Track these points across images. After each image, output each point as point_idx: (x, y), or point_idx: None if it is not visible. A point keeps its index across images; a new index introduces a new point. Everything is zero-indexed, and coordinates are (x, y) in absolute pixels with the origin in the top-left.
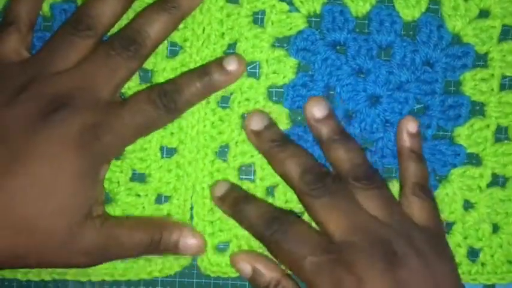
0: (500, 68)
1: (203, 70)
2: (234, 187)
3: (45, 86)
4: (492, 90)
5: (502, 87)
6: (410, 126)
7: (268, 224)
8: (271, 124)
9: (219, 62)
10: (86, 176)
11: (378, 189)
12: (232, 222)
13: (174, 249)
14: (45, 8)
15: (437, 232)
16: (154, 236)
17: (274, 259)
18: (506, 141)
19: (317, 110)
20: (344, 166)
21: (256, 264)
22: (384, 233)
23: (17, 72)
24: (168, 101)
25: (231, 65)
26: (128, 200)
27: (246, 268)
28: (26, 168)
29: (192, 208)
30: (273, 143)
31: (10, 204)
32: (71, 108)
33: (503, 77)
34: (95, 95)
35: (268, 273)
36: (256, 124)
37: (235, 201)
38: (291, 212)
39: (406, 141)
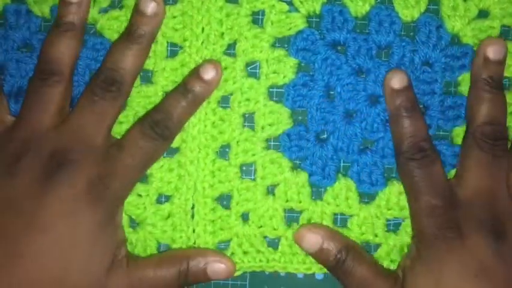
0: None
1: (184, 87)
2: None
3: (40, 148)
4: None
5: None
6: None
7: (415, 150)
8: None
9: (196, 74)
10: (105, 226)
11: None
12: (232, 221)
13: (204, 277)
14: (45, 9)
15: None
16: (181, 267)
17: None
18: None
19: (395, 81)
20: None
21: (325, 234)
22: (503, 208)
23: (7, 141)
24: (161, 129)
25: (209, 74)
26: (129, 200)
27: (316, 239)
28: (43, 232)
29: (193, 207)
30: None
31: (34, 269)
32: (72, 164)
33: None
34: (90, 144)
35: (337, 243)
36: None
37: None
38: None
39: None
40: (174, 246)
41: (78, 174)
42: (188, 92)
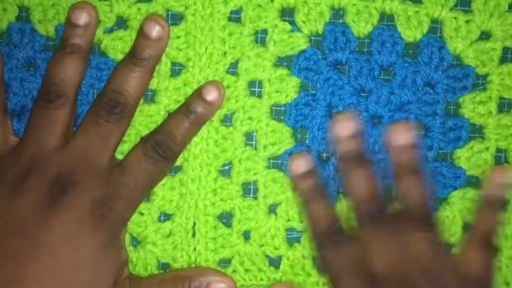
0: (498, 90)
1: (186, 108)
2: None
3: (44, 170)
4: (490, 112)
5: (501, 109)
6: (501, 176)
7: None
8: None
9: (199, 95)
10: (108, 248)
11: (431, 233)
12: (234, 239)
13: None
14: (50, 28)
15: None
16: (184, 287)
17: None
18: (505, 164)
19: (402, 138)
20: (408, 201)
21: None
22: (418, 278)
23: (12, 162)
24: (164, 151)
25: (211, 95)
26: (131, 218)
27: None
28: (47, 255)
29: (194, 225)
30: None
31: None
32: (76, 186)
33: (502, 99)
34: (95, 166)
35: None
36: (344, 130)
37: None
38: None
39: (491, 188)
40: (175, 265)
41: (82, 196)
42: (191, 113)
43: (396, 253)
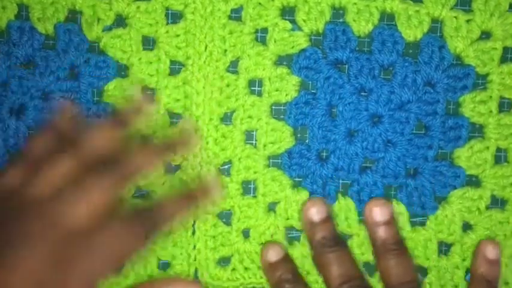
0: (499, 90)
1: (189, 196)
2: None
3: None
4: (491, 112)
5: (501, 108)
6: (490, 252)
7: None
8: (329, 219)
9: (203, 189)
10: None
11: None
12: (233, 237)
13: None
14: (49, 27)
15: None
16: None
17: None
18: (505, 164)
19: (379, 215)
20: (391, 279)
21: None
22: None
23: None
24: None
25: (215, 191)
26: None
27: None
28: None
29: (194, 223)
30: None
31: None
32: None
33: (502, 98)
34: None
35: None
36: (314, 215)
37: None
38: None
39: (483, 267)
40: (174, 262)
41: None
42: (191, 202)
43: None
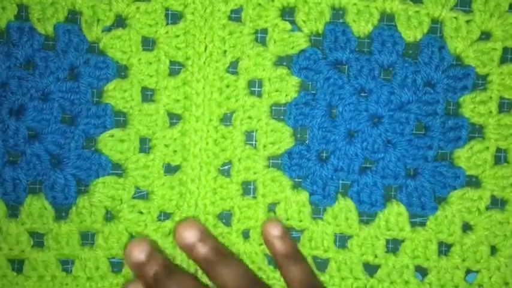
0: (499, 90)
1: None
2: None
3: None
4: (491, 112)
5: (501, 109)
6: (274, 230)
7: None
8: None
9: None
10: None
11: None
12: (233, 238)
13: None
14: (49, 27)
15: None
16: None
17: None
18: (505, 164)
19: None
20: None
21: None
22: None
23: None
24: None
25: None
26: (130, 217)
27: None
28: None
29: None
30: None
31: None
32: None
33: (502, 99)
34: None
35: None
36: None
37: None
38: None
39: (276, 245)
40: (174, 263)
41: None
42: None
43: None
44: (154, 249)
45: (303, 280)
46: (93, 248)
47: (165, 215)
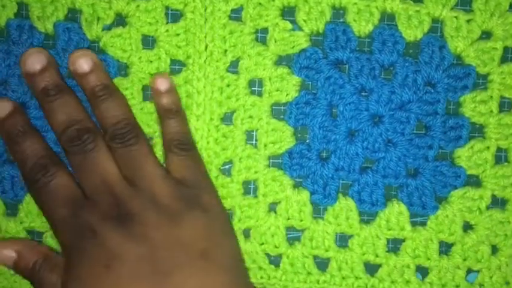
0: (499, 90)
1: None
2: (19, 111)
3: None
4: (491, 111)
5: (501, 108)
6: (161, 84)
7: (34, 169)
8: (49, 67)
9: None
10: None
11: (131, 147)
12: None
13: None
14: (49, 25)
15: (193, 185)
16: None
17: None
18: (506, 164)
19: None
20: (104, 123)
21: (18, 248)
22: (121, 191)
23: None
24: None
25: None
26: None
27: (10, 254)
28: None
29: None
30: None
31: None
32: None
33: (502, 98)
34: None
35: (32, 254)
36: (32, 65)
37: (14, 131)
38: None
39: (161, 99)
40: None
41: None
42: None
43: (101, 174)
44: (52, 64)
45: (176, 132)
46: None
47: None
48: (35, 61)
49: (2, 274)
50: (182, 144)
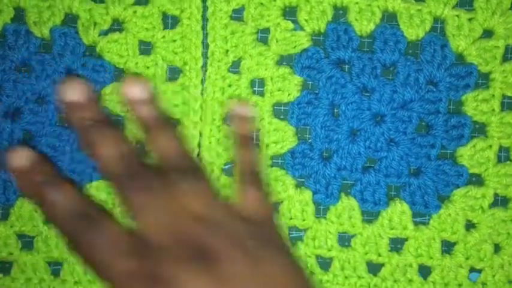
0: (501, 88)
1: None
2: (41, 160)
3: None
4: (493, 110)
5: (503, 107)
6: (242, 110)
7: (75, 221)
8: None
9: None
10: None
11: (197, 182)
12: None
13: None
14: (45, 30)
15: (267, 221)
16: None
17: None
18: (508, 162)
19: (137, 91)
20: (165, 155)
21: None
22: (196, 228)
23: None
24: None
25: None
26: (123, 222)
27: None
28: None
29: None
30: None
31: None
32: None
33: (504, 97)
34: None
35: None
36: (75, 95)
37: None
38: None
39: (237, 126)
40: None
41: None
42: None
43: (166, 213)
44: (95, 95)
45: (253, 162)
46: None
47: None
48: (78, 91)
49: None
50: (257, 175)
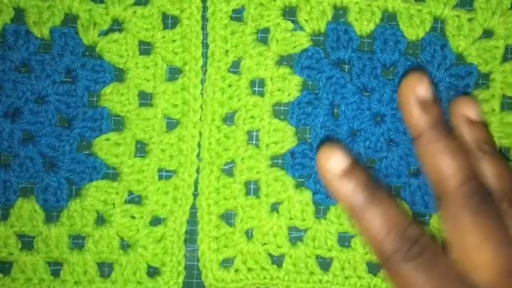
0: (501, 88)
1: None
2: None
3: None
4: (493, 110)
5: (503, 107)
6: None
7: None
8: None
9: None
10: None
11: None
12: (237, 238)
13: None
14: (45, 31)
15: None
16: None
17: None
18: (508, 162)
19: (473, 112)
20: (500, 180)
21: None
22: None
23: None
24: None
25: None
26: (122, 222)
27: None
28: None
29: (197, 225)
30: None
31: None
32: None
33: (504, 97)
34: None
35: None
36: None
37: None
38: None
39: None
40: (164, 269)
41: None
42: None
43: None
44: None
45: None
46: (82, 251)
47: (157, 220)
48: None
49: None
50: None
